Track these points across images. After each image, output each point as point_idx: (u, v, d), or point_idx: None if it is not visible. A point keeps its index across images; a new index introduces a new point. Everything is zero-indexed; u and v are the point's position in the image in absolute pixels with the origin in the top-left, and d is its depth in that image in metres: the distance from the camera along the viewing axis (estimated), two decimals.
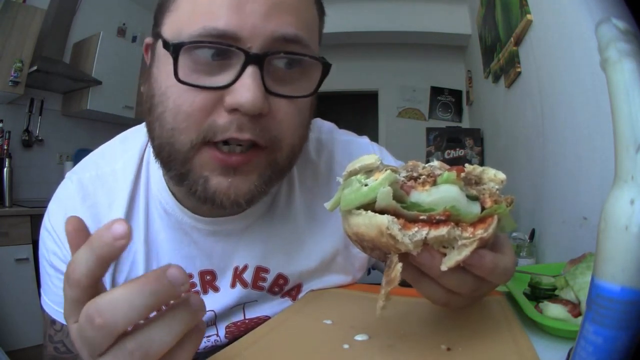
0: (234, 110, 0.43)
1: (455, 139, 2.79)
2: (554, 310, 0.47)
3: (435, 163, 0.38)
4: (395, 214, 0.34)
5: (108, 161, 0.60)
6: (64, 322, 0.57)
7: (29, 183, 2.70)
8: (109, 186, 0.58)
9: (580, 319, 0.40)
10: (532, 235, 1.65)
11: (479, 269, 0.37)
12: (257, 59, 0.42)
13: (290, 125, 0.47)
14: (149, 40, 0.52)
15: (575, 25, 1.25)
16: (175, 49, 0.42)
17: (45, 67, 2.52)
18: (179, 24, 0.44)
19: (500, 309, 0.52)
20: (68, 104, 2.97)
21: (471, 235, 0.35)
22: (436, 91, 3.89)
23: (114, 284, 0.57)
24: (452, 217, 0.35)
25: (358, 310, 0.54)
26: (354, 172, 0.37)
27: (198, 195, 0.47)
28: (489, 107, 2.71)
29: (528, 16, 1.66)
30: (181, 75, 0.43)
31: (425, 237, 0.34)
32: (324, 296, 0.62)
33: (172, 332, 0.29)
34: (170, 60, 0.43)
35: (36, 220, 2.27)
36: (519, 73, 1.89)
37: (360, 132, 0.74)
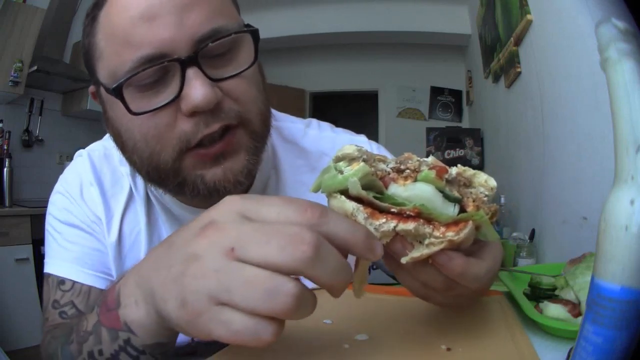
0: (193, 113, 0.45)
1: (455, 139, 2.79)
2: (554, 310, 0.47)
3: (429, 159, 0.38)
4: (370, 204, 0.35)
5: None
6: (75, 279, 0.57)
7: (29, 183, 2.70)
8: (114, 165, 0.62)
9: (580, 319, 0.40)
10: (532, 235, 1.65)
11: (447, 270, 0.36)
12: (191, 60, 0.45)
13: (249, 97, 0.50)
14: (92, 88, 0.54)
15: (575, 25, 1.25)
16: (116, 92, 0.45)
17: (45, 67, 2.51)
18: (111, 67, 0.47)
19: (500, 308, 0.52)
20: (68, 104, 2.96)
21: (441, 235, 0.35)
22: (436, 91, 3.89)
23: (121, 263, 0.59)
24: (423, 215, 0.35)
25: (358, 310, 0.54)
26: (339, 159, 0.38)
27: (202, 193, 0.49)
28: (489, 107, 2.72)
29: (528, 16, 1.67)
30: (134, 109, 0.45)
31: (394, 229, 0.35)
32: (324, 296, 0.62)
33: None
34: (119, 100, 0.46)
35: (36, 220, 2.26)
36: (519, 73, 1.89)
37: (360, 132, 0.74)
